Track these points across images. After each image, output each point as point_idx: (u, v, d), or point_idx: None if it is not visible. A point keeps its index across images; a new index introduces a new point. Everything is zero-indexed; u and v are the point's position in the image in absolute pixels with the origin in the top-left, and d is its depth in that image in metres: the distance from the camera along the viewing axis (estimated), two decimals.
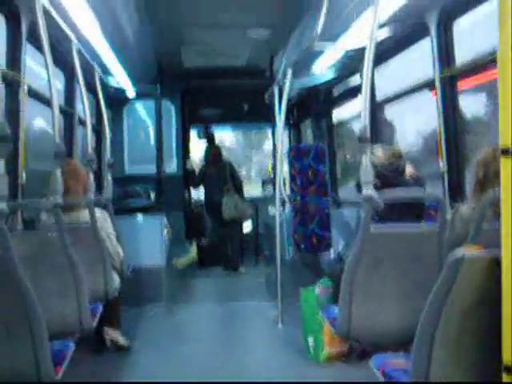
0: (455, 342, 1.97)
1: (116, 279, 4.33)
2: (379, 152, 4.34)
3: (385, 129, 6.00)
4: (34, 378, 2.38)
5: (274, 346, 4.81)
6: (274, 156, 6.93)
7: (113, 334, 4.60)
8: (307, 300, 4.44)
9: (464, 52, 4.18)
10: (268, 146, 9.30)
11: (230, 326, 5.63)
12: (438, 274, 2.00)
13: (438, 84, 4.22)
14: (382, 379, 2.42)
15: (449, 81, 4.22)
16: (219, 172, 8.48)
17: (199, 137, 10.01)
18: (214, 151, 8.76)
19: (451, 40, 4.25)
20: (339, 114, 7.63)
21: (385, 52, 5.01)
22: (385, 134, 5.97)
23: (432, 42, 4.32)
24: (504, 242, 1.69)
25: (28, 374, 2.37)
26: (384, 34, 4.51)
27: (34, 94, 4.49)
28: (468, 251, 1.90)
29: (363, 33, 4.40)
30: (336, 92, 7.48)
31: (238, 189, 8.54)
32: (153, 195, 7.71)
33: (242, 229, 8.90)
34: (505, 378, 1.67)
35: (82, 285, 3.33)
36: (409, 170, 4.42)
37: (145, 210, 7.14)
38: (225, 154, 9.07)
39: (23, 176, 4.23)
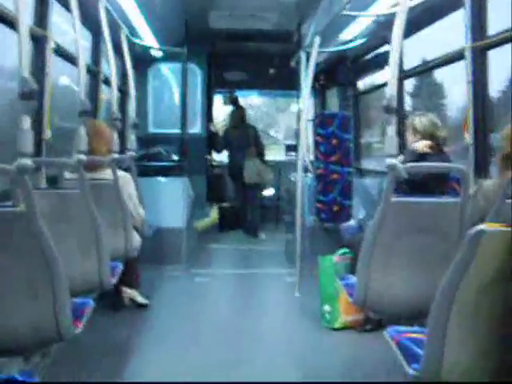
0: (471, 317, 1.96)
1: (137, 239, 4.37)
2: (424, 119, 4.24)
3: (432, 94, 5.86)
4: (54, 333, 2.42)
5: (290, 311, 4.85)
6: (299, 122, 6.88)
7: (131, 293, 4.67)
8: (325, 268, 4.45)
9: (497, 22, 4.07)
10: (295, 109, 9.21)
11: (247, 290, 5.68)
12: (458, 248, 1.98)
13: (468, 54, 4.13)
14: (395, 349, 2.43)
15: (480, 51, 4.13)
16: (243, 135, 8.44)
17: (224, 103, 9.96)
18: (238, 113, 8.71)
19: (485, 9, 4.14)
20: (376, 78, 7.46)
21: (416, 20, 4.91)
22: (432, 100, 5.84)
23: (465, 10, 4.21)
24: None
25: (48, 329, 2.41)
26: (416, 0, 4.41)
27: (60, 52, 4.49)
28: (488, 227, 1.88)
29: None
30: (364, 60, 7.37)
31: (261, 153, 8.51)
32: (175, 156, 7.71)
33: (262, 194, 8.88)
34: None
35: (103, 243, 3.36)
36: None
37: (167, 171, 7.16)
38: (251, 115, 8.96)
39: (48, 133, 4.26)
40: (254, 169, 8.32)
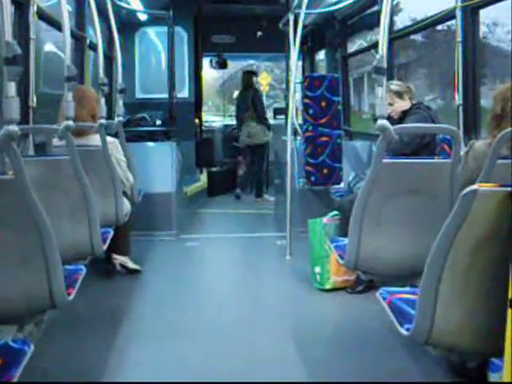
0: (463, 277, 1.98)
1: (126, 205, 4.36)
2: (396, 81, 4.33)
3: None
4: (48, 301, 2.43)
5: (281, 274, 4.88)
6: (287, 85, 6.84)
7: (122, 259, 4.67)
8: (315, 231, 4.46)
9: None
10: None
11: (239, 254, 5.71)
12: (449, 208, 1.99)
13: (458, 13, 4.10)
14: (386, 308, 2.45)
15: (471, 11, 4.10)
16: (246, 99, 8.50)
17: (211, 66, 9.89)
18: (244, 78, 8.80)
19: None
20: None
21: None
22: None
23: None
24: None
25: (41, 297, 2.42)
26: None
27: (43, 16, 4.41)
28: (481, 187, 1.88)
29: None
30: (353, 22, 7.31)
31: (259, 116, 8.48)
32: (159, 121, 7.64)
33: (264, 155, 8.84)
34: (509, 313, 1.67)
35: (94, 210, 3.36)
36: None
37: (155, 136, 7.12)
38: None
39: (34, 99, 4.20)
40: (246, 131, 8.36)
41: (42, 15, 4.33)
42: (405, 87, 4.37)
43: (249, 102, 8.44)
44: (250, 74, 8.87)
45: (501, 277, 1.75)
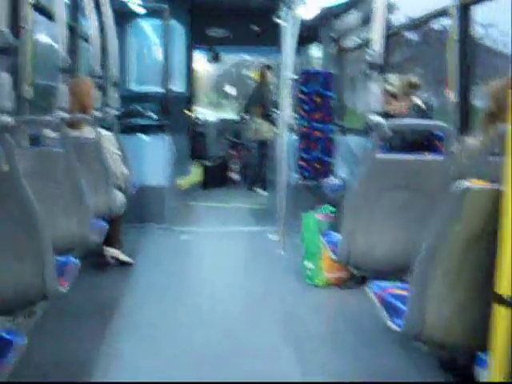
0: (455, 273, 1.99)
1: (120, 197, 4.35)
2: (394, 80, 4.19)
3: None
4: (40, 292, 2.43)
5: (273, 268, 4.88)
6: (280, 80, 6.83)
7: (114, 252, 4.66)
8: (308, 225, 4.47)
9: None
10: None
11: (232, 247, 5.71)
12: (441, 205, 2.00)
13: (454, 12, 4.10)
14: (378, 304, 2.46)
15: (463, 8, 4.10)
16: (256, 93, 8.54)
17: (209, 61, 9.89)
18: (259, 72, 8.81)
19: None
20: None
21: None
22: None
23: None
24: (506, 175, 1.67)
25: (34, 288, 2.42)
26: None
27: (38, 7, 4.38)
28: (473, 184, 1.90)
29: None
30: (348, 17, 7.29)
31: (264, 113, 8.45)
32: (153, 114, 7.60)
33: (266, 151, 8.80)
34: (496, 307, 1.68)
35: (86, 201, 3.35)
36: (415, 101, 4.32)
37: (149, 129, 7.09)
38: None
39: (30, 91, 4.18)
40: (249, 126, 8.49)
41: (35, 5, 4.30)
42: (404, 85, 4.03)
43: (256, 96, 8.46)
44: (263, 69, 8.84)
45: (492, 273, 1.76)
